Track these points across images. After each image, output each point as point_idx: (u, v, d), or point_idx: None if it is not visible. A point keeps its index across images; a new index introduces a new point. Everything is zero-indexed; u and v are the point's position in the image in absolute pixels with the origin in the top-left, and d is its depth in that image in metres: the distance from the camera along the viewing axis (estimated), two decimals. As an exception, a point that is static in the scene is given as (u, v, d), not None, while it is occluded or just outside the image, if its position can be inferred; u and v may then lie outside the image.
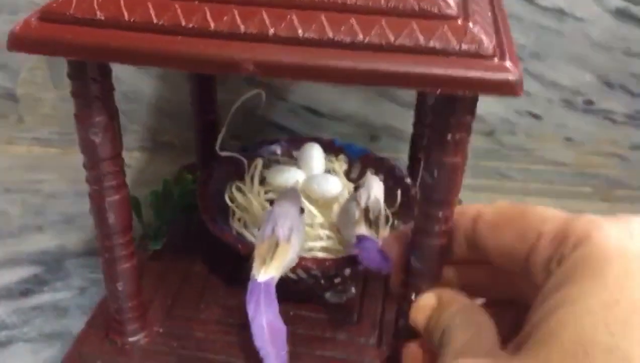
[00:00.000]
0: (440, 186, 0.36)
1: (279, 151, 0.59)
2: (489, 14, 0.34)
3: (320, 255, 0.49)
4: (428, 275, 0.41)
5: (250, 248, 0.47)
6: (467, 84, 0.31)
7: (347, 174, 0.59)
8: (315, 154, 0.54)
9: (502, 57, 0.31)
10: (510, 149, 0.71)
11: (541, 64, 0.66)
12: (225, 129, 0.56)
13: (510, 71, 0.31)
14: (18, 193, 0.70)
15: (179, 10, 0.34)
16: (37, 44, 0.34)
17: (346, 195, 0.54)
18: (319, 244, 0.49)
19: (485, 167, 0.72)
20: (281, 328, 0.42)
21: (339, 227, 0.49)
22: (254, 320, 0.41)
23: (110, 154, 0.40)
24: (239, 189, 0.53)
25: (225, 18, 0.33)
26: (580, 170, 0.72)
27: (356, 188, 0.48)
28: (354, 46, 0.32)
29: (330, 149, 0.59)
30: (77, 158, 0.77)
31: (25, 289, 0.58)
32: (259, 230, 0.51)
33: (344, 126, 0.70)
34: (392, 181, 0.56)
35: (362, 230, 0.45)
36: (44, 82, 0.72)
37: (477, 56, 0.31)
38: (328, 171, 0.56)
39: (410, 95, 0.62)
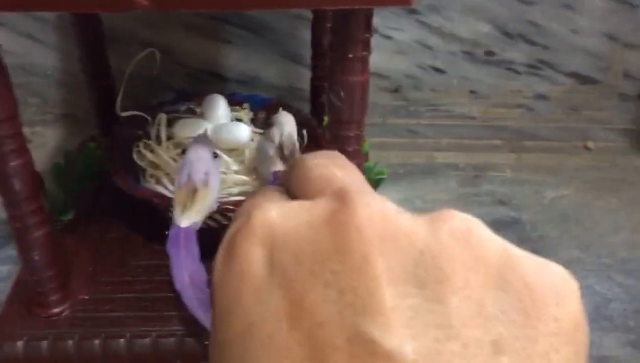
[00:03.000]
0: (349, 105, 0.38)
1: (182, 109, 0.58)
2: None
3: (240, 198, 0.49)
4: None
5: (166, 200, 0.47)
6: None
7: (254, 123, 0.59)
8: (220, 104, 0.54)
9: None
10: (417, 105, 0.71)
11: (439, 16, 0.66)
12: (122, 88, 0.55)
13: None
14: None
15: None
16: None
17: (255, 142, 0.54)
18: (237, 189, 0.50)
19: (394, 125, 0.72)
20: (201, 272, 0.43)
21: (256, 167, 0.49)
22: (175, 265, 0.42)
23: (5, 116, 0.38)
24: (146, 148, 0.52)
25: (114, -45, 0.33)
26: (487, 123, 0.72)
27: (269, 126, 0.48)
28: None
29: (233, 102, 0.59)
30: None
31: None
32: (171, 183, 0.51)
33: (248, 89, 0.70)
34: (298, 123, 0.57)
35: (277, 166, 0.46)
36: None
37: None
38: (234, 120, 0.56)
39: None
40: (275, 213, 0.20)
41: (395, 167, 0.70)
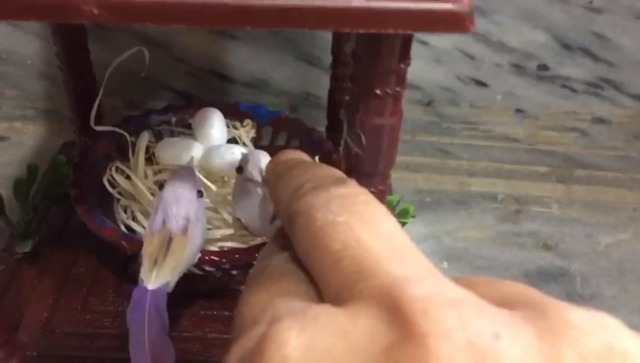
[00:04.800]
0: (372, 155, 0.28)
1: (173, 120, 0.49)
2: None
3: (229, 244, 0.40)
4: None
5: (138, 246, 0.38)
6: (398, 19, 0.23)
7: (257, 141, 0.50)
8: (214, 121, 0.45)
9: (443, -21, 0.23)
10: (452, 121, 0.61)
11: (486, 21, 0.55)
12: (99, 97, 0.45)
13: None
14: None
15: None
16: None
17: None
18: (226, 231, 0.40)
19: (424, 142, 0.62)
20: (169, 351, 0.33)
21: (241, 219, 0.39)
22: (134, 339, 0.32)
23: None
24: (122, 171, 0.43)
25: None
26: (534, 146, 0.62)
27: (239, 170, 0.38)
28: (241, -28, 0.23)
29: (234, 113, 0.49)
30: None
31: None
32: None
33: (257, 94, 0.60)
34: (309, 147, 0.48)
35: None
36: None
37: (410, -23, 0.23)
38: (232, 139, 0.47)
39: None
40: (296, 344, 0.14)
41: (422, 194, 0.60)
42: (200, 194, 0.37)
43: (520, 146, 0.63)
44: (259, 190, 0.37)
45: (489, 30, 0.56)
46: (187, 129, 0.48)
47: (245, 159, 0.39)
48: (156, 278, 0.34)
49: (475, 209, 0.59)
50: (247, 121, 0.48)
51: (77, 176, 0.42)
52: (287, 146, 0.49)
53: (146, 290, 0.34)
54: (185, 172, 0.37)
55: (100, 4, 0.23)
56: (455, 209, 0.59)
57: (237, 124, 0.48)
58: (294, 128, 0.49)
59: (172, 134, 0.48)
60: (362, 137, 0.28)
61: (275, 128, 0.50)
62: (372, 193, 0.30)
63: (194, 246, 0.35)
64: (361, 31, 0.23)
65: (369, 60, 0.26)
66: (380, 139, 0.28)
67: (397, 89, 0.27)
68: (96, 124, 0.50)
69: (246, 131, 0.47)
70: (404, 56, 0.26)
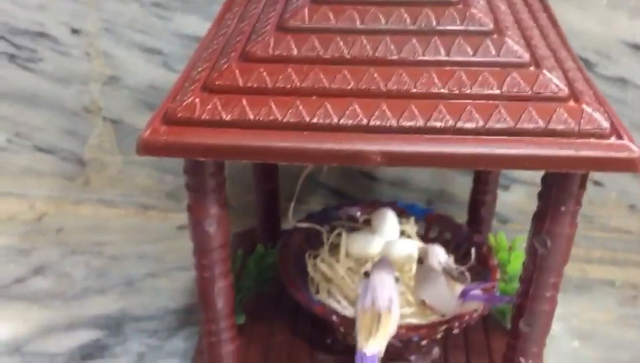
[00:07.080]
0: (554, 255, 0.38)
1: (344, 216, 0.60)
2: (590, 90, 0.36)
3: (413, 320, 0.50)
4: (537, 339, 0.42)
5: (345, 321, 0.48)
6: (591, 164, 0.33)
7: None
8: (389, 219, 0.55)
9: (619, 135, 0.34)
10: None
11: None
12: (295, 200, 0.57)
13: (630, 149, 0.33)
14: (82, 254, 0.70)
15: (301, 107, 0.35)
16: (168, 148, 0.35)
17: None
18: (409, 310, 0.50)
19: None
20: None
21: (420, 295, 0.50)
22: None
23: (222, 243, 0.41)
24: (321, 259, 0.54)
25: (347, 111, 0.35)
26: None
27: (419, 261, 0.50)
28: (476, 131, 0.34)
29: (395, 211, 0.60)
30: (139, 219, 0.77)
31: (86, 354, 0.58)
32: (344, 298, 0.52)
33: (398, 191, 0.71)
34: (460, 239, 0.58)
35: (458, 287, 0.47)
36: (111, 148, 0.75)
37: (597, 135, 0.33)
38: (401, 232, 0.57)
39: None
40: None
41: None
42: (397, 279, 0.47)
43: (633, 238, 0.71)
44: (442, 277, 0.47)
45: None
46: (359, 224, 0.59)
47: (424, 252, 0.50)
48: (373, 346, 0.44)
49: (597, 294, 0.67)
50: (411, 218, 0.59)
51: (284, 264, 0.54)
52: (439, 237, 0.59)
53: (364, 355, 0.43)
54: (385, 262, 0.48)
55: (384, 155, 0.34)
56: (579, 293, 0.67)
57: (403, 220, 0.58)
58: (444, 223, 0.59)
59: (349, 228, 0.59)
60: (548, 241, 0.38)
61: (429, 223, 0.60)
62: (548, 283, 0.40)
63: (395, 321, 0.45)
64: (562, 171, 0.33)
65: (558, 186, 0.36)
66: (562, 244, 0.38)
67: (577, 206, 0.37)
68: (273, 219, 0.62)
69: (411, 227, 0.58)
70: (583, 184, 0.36)
